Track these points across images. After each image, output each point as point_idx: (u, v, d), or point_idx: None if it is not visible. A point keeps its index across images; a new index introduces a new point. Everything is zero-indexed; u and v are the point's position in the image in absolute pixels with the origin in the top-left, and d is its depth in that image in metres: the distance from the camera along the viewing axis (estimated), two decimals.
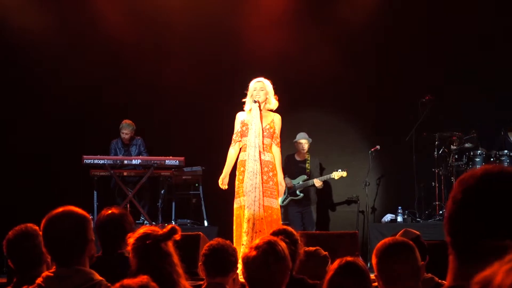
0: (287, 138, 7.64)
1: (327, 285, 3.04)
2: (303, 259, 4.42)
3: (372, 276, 3.15)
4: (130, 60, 11.23)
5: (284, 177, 10.08)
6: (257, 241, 3.07)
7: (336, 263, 3.11)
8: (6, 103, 10.97)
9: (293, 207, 10.20)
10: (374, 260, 3.06)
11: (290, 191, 10.13)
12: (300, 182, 10.15)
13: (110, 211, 4.12)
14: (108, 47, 11.24)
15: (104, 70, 11.21)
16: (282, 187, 7.51)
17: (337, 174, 10.03)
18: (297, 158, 10.36)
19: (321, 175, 10.33)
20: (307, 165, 10.26)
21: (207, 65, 11.28)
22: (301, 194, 10.13)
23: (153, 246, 3.09)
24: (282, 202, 10.17)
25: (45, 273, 3.10)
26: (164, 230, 3.14)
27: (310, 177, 10.18)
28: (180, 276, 3.10)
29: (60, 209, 3.14)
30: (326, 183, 10.40)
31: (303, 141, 10.26)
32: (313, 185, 10.12)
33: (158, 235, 3.11)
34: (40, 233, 3.57)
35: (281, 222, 7.54)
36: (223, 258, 3.87)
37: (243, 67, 10.63)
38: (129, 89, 11.24)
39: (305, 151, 10.28)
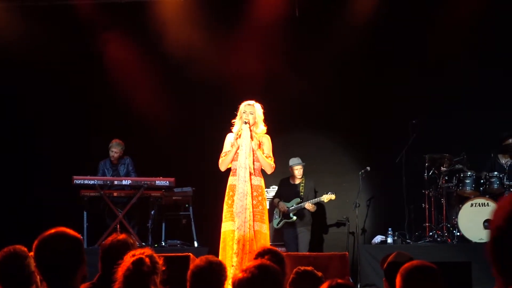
0: (276, 161, 7.63)
1: None
2: (298, 278, 4.41)
3: None
4: (120, 81, 11.23)
5: (278, 201, 10.17)
6: (248, 264, 3.06)
7: (326, 284, 3.10)
8: None
9: (288, 229, 10.20)
10: (398, 280, 3.07)
11: (284, 214, 10.14)
12: (294, 205, 10.15)
13: (121, 238, 4.06)
14: (98, 68, 11.26)
15: (93, 91, 11.23)
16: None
17: (326, 197, 10.03)
18: (292, 181, 10.37)
19: (315, 197, 10.33)
20: (301, 188, 10.26)
21: (198, 86, 11.29)
22: (295, 217, 10.12)
23: (139, 277, 3.17)
24: (277, 225, 10.19)
25: None
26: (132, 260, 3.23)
27: (304, 200, 10.17)
28: None
29: (52, 230, 3.14)
30: (320, 205, 10.40)
31: (298, 167, 10.27)
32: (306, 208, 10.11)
33: (146, 271, 3.19)
34: (29, 254, 3.56)
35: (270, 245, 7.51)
36: (211, 279, 3.84)
37: (233, 88, 10.66)
38: (119, 110, 11.24)
39: (300, 176, 10.30)
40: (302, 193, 10.22)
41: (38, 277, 3.54)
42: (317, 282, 4.52)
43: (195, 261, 4.00)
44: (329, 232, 11.14)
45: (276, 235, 10.40)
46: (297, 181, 10.33)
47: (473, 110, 10.58)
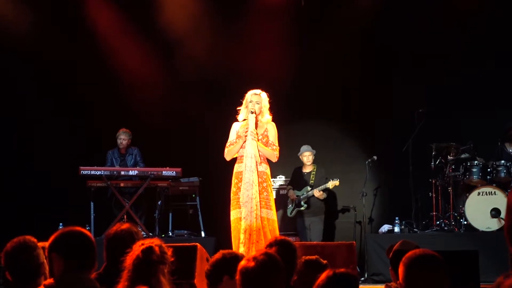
0: (282, 151, 7.62)
1: None
2: (303, 267, 4.41)
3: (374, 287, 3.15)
4: (127, 71, 11.24)
5: (289, 189, 10.18)
6: (254, 253, 3.07)
7: (325, 274, 3.07)
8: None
9: (300, 218, 10.21)
10: (401, 269, 3.06)
11: (295, 202, 10.15)
12: (304, 194, 10.16)
13: (125, 227, 4.06)
14: (104, 57, 11.26)
15: (100, 80, 11.24)
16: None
17: (331, 183, 10.01)
18: (303, 170, 10.38)
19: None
20: (311, 176, 10.26)
21: (204, 76, 11.30)
22: (305, 205, 10.13)
23: (148, 265, 3.19)
24: (290, 213, 10.21)
25: (48, 281, 3.12)
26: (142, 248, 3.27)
27: (314, 188, 10.17)
28: None
29: (70, 228, 3.28)
30: (331, 193, 10.39)
31: (307, 153, 10.28)
32: (314, 195, 10.11)
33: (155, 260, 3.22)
34: (38, 245, 3.58)
35: (279, 233, 7.50)
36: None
37: (239, 77, 10.64)
38: (126, 100, 11.25)
39: (310, 163, 10.30)
40: (312, 182, 10.22)
41: (47, 268, 3.56)
42: (323, 270, 4.52)
43: (214, 258, 3.94)
44: (337, 221, 11.13)
45: (289, 224, 10.41)
46: (308, 170, 10.34)
47: (479, 98, 10.56)
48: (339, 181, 9.99)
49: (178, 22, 11.19)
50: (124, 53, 11.28)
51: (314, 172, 10.30)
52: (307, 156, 10.29)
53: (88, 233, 3.30)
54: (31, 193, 10.83)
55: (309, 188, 10.18)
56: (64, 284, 3.08)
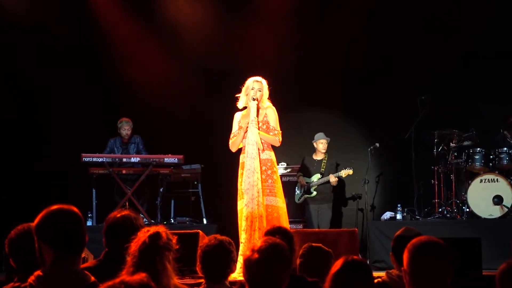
0: (285, 138, 7.59)
1: (332, 281, 3.02)
2: (308, 253, 4.42)
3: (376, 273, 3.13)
4: (128, 58, 11.22)
5: (299, 175, 10.18)
6: (258, 243, 3.05)
7: (341, 260, 3.08)
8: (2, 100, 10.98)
9: (309, 205, 10.22)
10: (406, 255, 3.06)
11: (304, 189, 10.15)
12: (314, 181, 10.16)
13: (125, 212, 4.04)
14: (105, 45, 11.24)
15: (102, 68, 11.22)
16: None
17: (344, 172, 10.03)
18: (314, 157, 10.38)
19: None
20: (323, 164, 10.26)
21: (205, 63, 11.28)
22: (315, 192, 10.14)
23: (155, 251, 3.18)
24: (298, 200, 10.21)
25: (37, 273, 3.08)
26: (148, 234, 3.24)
27: (324, 176, 10.16)
28: (171, 277, 3.23)
29: (55, 206, 3.16)
30: (339, 181, 10.39)
31: (323, 140, 10.28)
32: (328, 182, 10.09)
33: (161, 245, 3.21)
34: None
35: (287, 220, 7.46)
36: (220, 262, 3.85)
37: (241, 65, 10.61)
38: (127, 87, 11.24)
39: (325, 150, 10.30)
40: (323, 170, 10.21)
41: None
42: (326, 256, 4.53)
43: (205, 240, 3.99)
44: (342, 208, 11.12)
45: (297, 211, 10.42)
46: (320, 157, 10.33)
47: (482, 85, 10.54)
48: (352, 170, 10.01)
49: (180, 8, 11.17)
50: (125, 41, 11.26)
51: (325, 161, 10.30)
52: (323, 144, 10.29)
53: (75, 209, 3.21)
54: (31, 193, 10.80)
55: (319, 176, 10.17)
56: (54, 277, 3.04)
